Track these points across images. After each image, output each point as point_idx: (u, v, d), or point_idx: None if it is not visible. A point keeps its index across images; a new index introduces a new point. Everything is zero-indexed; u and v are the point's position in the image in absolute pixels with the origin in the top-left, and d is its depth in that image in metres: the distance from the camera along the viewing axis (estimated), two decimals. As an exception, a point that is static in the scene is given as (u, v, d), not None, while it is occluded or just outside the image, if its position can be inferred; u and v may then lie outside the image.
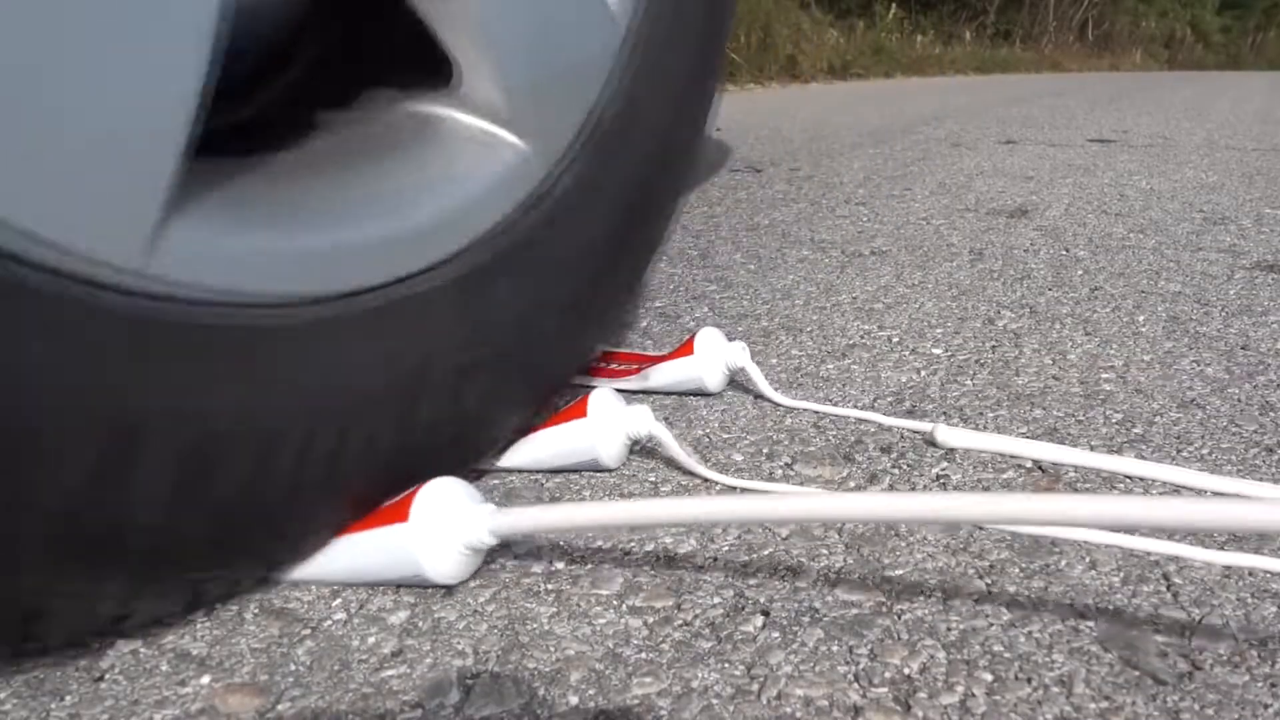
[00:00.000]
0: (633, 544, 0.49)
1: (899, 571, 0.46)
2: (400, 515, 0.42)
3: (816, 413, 0.66)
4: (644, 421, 0.55)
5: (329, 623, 0.42)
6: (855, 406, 0.67)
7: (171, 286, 0.33)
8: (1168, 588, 0.44)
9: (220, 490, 0.37)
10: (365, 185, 0.43)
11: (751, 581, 0.45)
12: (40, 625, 0.37)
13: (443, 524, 0.42)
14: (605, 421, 0.55)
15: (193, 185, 0.34)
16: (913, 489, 0.55)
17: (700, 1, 0.59)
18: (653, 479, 0.56)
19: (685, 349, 0.68)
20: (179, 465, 0.35)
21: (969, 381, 0.72)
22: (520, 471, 0.57)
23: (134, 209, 0.32)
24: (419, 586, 0.44)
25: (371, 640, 0.41)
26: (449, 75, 0.45)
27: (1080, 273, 1.07)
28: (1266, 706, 0.36)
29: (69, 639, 0.40)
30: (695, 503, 0.42)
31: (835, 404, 0.67)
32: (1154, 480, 0.55)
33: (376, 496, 0.44)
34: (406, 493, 0.43)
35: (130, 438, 0.33)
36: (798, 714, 0.36)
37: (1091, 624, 0.42)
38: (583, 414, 0.54)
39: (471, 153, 0.46)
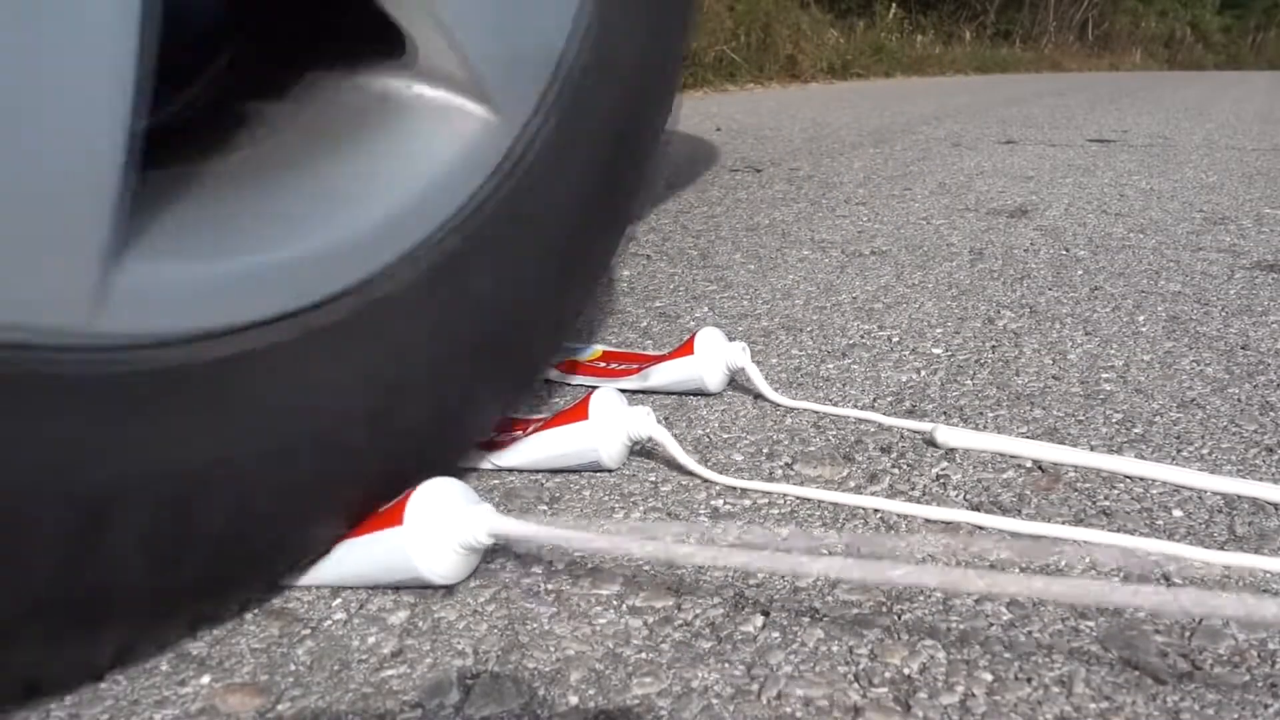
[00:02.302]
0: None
1: (899, 571, 0.46)
2: (395, 519, 0.42)
3: (816, 413, 0.66)
4: (644, 423, 0.55)
5: (329, 623, 0.42)
6: (855, 406, 0.67)
7: (125, 338, 0.31)
8: (1168, 588, 0.44)
9: (205, 531, 0.36)
10: (318, 183, 0.40)
11: (751, 581, 0.45)
12: (40, 686, 0.36)
13: (438, 525, 0.42)
14: (607, 423, 0.55)
15: (132, 226, 0.32)
16: (913, 488, 0.55)
17: None
18: (653, 479, 0.56)
19: (685, 349, 0.68)
20: (159, 516, 0.34)
21: (969, 381, 0.73)
22: (520, 471, 0.57)
23: (73, 269, 0.29)
24: (419, 588, 0.44)
25: (371, 640, 0.41)
26: (401, 46, 0.41)
27: (1080, 273, 1.07)
28: (1266, 706, 0.36)
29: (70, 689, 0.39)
30: (693, 549, 0.41)
31: (835, 404, 0.67)
32: (1154, 480, 0.55)
33: (369, 505, 0.43)
34: (401, 495, 0.43)
35: (107, 498, 0.32)
36: (798, 714, 0.36)
37: (1091, 624, 0.42)
38: (584, 416, 0.54)
39: (432, 127, 0.42)
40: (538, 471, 0.57)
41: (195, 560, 0.36)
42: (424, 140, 0.41)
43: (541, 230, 0.47)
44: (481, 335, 0.45)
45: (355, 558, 0.43)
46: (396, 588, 0.44)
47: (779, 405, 0.67)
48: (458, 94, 0.41)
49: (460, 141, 0.42)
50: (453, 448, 0.50)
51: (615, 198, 0.54)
